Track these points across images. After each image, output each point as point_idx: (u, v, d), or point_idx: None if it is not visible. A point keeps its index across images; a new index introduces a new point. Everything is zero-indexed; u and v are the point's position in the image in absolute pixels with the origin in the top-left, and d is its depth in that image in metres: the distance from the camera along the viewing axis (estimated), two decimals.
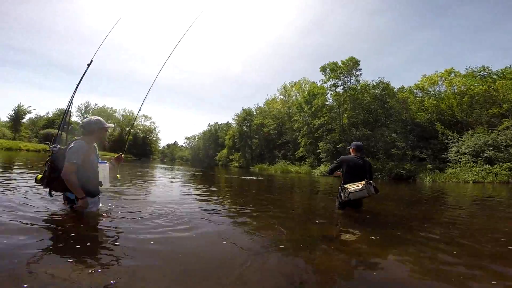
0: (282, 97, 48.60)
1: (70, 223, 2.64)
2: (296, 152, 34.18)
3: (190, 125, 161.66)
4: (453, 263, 2.23)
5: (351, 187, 3.90)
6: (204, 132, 79.14)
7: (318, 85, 34.56)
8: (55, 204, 3.13)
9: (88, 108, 75.12)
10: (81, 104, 75.15)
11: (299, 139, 34.11)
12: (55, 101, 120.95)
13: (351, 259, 2.28)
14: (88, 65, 3.13)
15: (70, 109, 3.01)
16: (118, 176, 3.22)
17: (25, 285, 1.39)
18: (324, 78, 31.04)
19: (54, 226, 2.50)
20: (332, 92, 31.63)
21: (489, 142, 18.62)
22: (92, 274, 1.61)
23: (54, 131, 46.81)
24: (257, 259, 2.10)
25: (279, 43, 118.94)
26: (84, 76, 3.11)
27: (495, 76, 23.55)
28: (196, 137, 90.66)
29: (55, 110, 69.00)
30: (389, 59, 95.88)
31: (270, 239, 2.77)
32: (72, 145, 2.67)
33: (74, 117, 71.79)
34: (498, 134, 18.90)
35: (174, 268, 1.84)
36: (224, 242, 2.45)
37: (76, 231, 2.40)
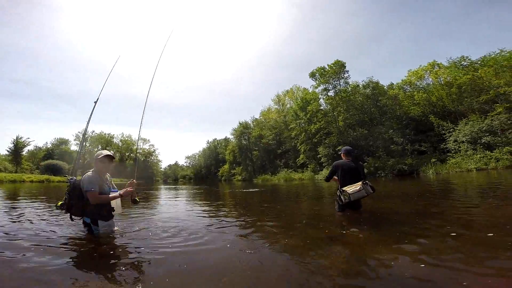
0: (277, 106, 49.21)
1: (91, 243, 2.91)
2: (297, 160, 34.27)
3: (189, 144, 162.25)
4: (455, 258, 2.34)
5: (350, 189, 4.03)
6: (204, 150, 79.66)
7: (310, 91, 35.17)
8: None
9: (86, 136, 75.35)
10: (79, 132, 75.63)
11: (298, 146, 34.30)
12: (54, 131, 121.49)
13: (353, 257, 2.36)
14: (95, 102, 3.39)
15: (82, 146, 3.30)
16: (137, 198, 3.36)
17: None
18: (315, 83, 31.73)
19: (79, 246, 2.80)
20: (324, 97, 32.13)
21: (484, 128, 18.87)
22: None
23: (56, 161, 47.24)
24: (266, 263, 2.21)
25: (264, 53, 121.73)
26: (93, 113, 3.35)
27: (476, 65, 24.18)
28: (197, 156, 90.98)
29: (53, 140, 69.71)
30: (373, 58, 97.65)
31: (274, 244, 2.87)
32: (83, 177, 3.03)
33: (73, 146, 72.51)
34: (492, 120, 19.17)
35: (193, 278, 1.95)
36: (231, 251, 2.56)
37: (98, 249, 2.68)
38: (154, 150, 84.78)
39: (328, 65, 29.90)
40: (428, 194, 7.48)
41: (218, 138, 75.50)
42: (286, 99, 47.26)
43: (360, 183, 4.03)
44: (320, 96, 33.08)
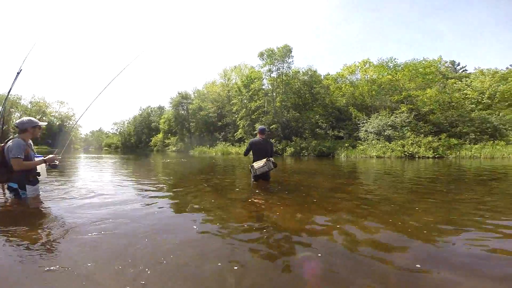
0: (222, 80, 48.31)
1: (21, 207, 3.05)
2: (235, 134, 35.22)
3: (119, 110, 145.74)
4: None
5: (256, 164, 4.87)
6: (135, 117, 72.86)
7: (256, 70, 35.76)
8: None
9: None
10: None
11: (237, 121, 35.16)
12: None
13: (253, 212, 3.18)
14: (18, 73, 3.29)
15: (3, 113, 3.20)
16: (56, 162, 3.47)
17: None
18: (261, 63, 32.26)
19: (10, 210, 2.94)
20: (267, 77, 33.19)
21: (389, 123, 22.87)
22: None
23: None
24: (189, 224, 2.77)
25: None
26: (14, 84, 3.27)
27: (399, 68, 28.61)
28: (126, 122, 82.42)
29: None
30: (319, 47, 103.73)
31: (197, 206, 3.46)
32: (10, 143, 3.01)
33: None
34: (395, 117, 23.31)
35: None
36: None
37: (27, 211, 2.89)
38: (74, 114, 73.66)
39: (277, 48, 30.66)
40: (329, 172, 9.18)
41: (152, 106, 70.07)
42: (232, 74, 46.75)
43: (264, 159, 4.84)
44: (263, 76, 34.02)
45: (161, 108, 63.10)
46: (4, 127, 3.45)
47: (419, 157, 18.89)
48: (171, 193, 4.33)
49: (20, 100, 65.73)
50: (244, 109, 34.11)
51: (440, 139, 20.70)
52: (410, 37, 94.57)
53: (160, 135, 53.99)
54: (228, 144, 35.68)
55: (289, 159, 18.89)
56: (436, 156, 18.82)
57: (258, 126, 5.53)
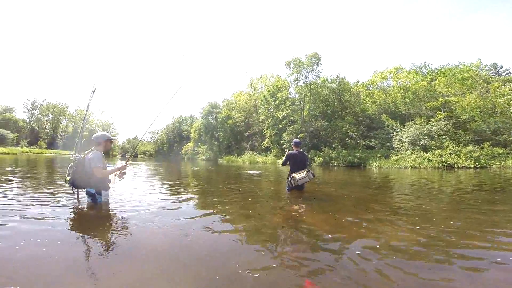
0: (249, 90, 49.52)
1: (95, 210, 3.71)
2: (262, 143, 35.67)
3: (153, 118, 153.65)
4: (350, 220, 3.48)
5: (297, 175, 5.15)
6: (168, 126, 77.02)
7: (282, 79, 36.21)
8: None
9: (36, 104, 68.29)
10: (27, 100, 68.52)
11: (264, 131, 35.63)
12: None
13: (290, 220, 3.42)
14: (93, 92, 3.93)
15: (83, 128, 3.87)
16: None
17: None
18: (288, 72, 32.59)
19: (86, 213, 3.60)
20: (294, 86, 33.39)
21: (425, 131, 21.75)
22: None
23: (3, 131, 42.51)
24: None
25: None
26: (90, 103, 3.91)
27: (434, 74, 27.29)
28: (159, 131, 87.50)
29: None
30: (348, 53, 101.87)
31: (234, 214, 3.81)
32: (91, 155, 3.64)
33: (20, 114, 66.02)
34: (432, 125, 22.11)
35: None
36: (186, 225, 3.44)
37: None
38: (113, 122, 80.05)
39: (306, 56, 30.75)
40: (360, 183, 9.07)
41: (184, 115, 73.65)
42: (259, 84, 47.76)
43: (305, 170, 5.15)
44: (290, 85, 34.30)
45: (192, 117, 66.02)
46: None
47: (458, 167, 17.71)
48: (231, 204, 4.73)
49: (67, 108, 73.20)
50: (271, 118, 34.54)
51: (482, 148, 19.26)
52: (445, 39, 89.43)
53: (191, 144, 56.32)
54: (255, 153, 36.23)
55: (318, 169, 18.75)
56: (478, 166, 17.51)
57: (293, 139, 5.84)
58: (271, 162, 28.99)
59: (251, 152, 37.73)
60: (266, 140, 34.91)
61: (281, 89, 34.91)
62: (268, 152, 34.08)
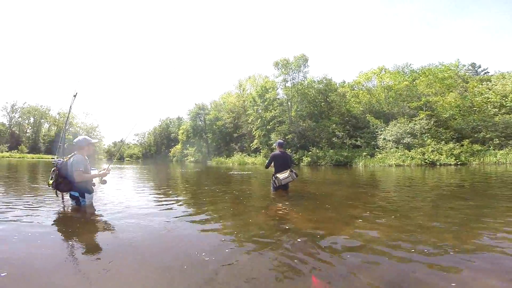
0: (237, 91, 49.54)
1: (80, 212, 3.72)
2: (251, 144, 35.76)
3: (139, 121, 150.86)
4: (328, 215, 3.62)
5: (281, 175, 5.27)
6: (155, 128, 75.83)
7: (270, 79, 36.50)
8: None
9: (16, 107, 65.76)
10: (6, 103, 65.96)
11: (253, 132, 35.73)
12: None
13: (275, 218, 3.53)
14: (74, 96, 3.92)
15: (64, 132, 3.86)
16: (105, 179, 4.08)
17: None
18: (276, 73, 32.88)
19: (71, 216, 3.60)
20: (282, 87, 33.70)
21: (408, 130, 22.44)
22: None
23: None
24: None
25: None
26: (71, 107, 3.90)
27: (415, 74, 28.19)
28: (147, 133, 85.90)
29: None
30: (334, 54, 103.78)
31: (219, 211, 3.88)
32: (73, 159, 3.66)
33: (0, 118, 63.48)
34: (414, 124, 22.83)
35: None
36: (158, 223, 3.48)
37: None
38: (98, 125, 78.16)
39: (293, 57, 31.11)
40: (345, 182, 9.32)
41: (171, 117, 72.82)
42: (247, 85, 47.88)
43: (288, 170, 5.28)
44: (278, 85, 34.60)
45: (179, 119, 65.33)
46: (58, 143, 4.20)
47: (440, 165, 18.41)
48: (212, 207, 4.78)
49: (50, 111, 70.89)
50: (260, 119, 34.70)
51: (462, 145, 20.08)
52: (425, 40, 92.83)
53: (179, 146, 55.72)
54: (245, 154, 36.26)
55: (305, 168, 19.03)
56: (459, 163, 18.26)
57: (276, 140, 6.00)
58: (261, 163, 29.09)
59: (240, 153, 37.75)
60: (255, 141, 35.02)
61: (269, 90, 35.16)
62: (258, 153, 34.19)
